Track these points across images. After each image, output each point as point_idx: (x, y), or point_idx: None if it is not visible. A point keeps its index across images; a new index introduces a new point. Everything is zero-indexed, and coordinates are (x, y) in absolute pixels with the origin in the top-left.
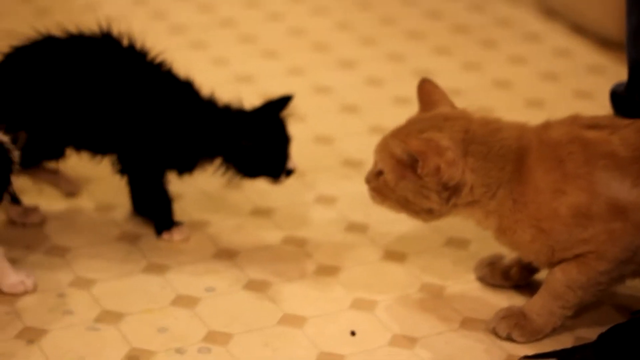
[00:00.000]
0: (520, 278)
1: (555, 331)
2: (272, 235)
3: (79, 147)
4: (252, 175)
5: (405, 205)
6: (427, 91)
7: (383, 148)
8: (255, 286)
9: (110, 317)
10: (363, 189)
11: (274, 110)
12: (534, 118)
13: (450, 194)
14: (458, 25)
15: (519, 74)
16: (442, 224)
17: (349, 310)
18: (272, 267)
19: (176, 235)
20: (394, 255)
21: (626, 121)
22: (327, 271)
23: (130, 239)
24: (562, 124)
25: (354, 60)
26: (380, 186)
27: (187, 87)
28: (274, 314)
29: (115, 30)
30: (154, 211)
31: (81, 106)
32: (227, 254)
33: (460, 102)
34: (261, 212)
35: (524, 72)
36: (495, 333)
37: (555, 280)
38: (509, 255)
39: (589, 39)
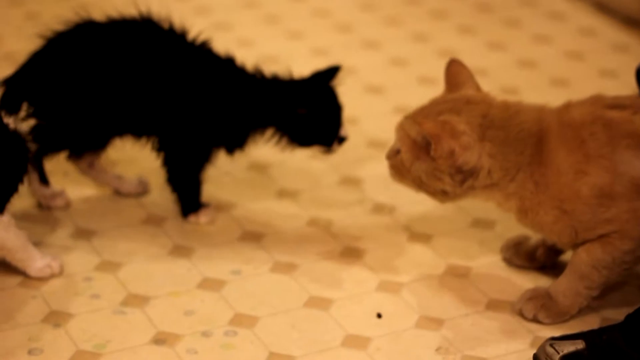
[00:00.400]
0: (546, 259)
1: (581, 312)
2: (297, 217)
3: (123, 133)
4: (306, 144)
5: (420, 185)
6: (454, 72)
7: (402, 127)
8: (281, 268)
9: (136, 300)
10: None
11: (325, 79)
12: (558, 97)
13: (465, 177)
14: (482, 4)
15: (544, 53)
16: (467, 204)
17: (375, 292)
18: (298, 249)
19: (203, 217)
20: (419, 236)
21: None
22: (353, 253)
23: (156, 222)
24: (584, 104)
25: (378, 41)
26: (397, 164)
27: (230, 63)
28: (300, 296)
29: (154, 15)
30: (183, 193)
31: (129, 90)
32: (252, 237)
33: (484, 82)
34: (286, 194)
35: (549, 52)
36: (521, 314)
37: (580, 261)
38: (534, 236)
39: (613, 17)
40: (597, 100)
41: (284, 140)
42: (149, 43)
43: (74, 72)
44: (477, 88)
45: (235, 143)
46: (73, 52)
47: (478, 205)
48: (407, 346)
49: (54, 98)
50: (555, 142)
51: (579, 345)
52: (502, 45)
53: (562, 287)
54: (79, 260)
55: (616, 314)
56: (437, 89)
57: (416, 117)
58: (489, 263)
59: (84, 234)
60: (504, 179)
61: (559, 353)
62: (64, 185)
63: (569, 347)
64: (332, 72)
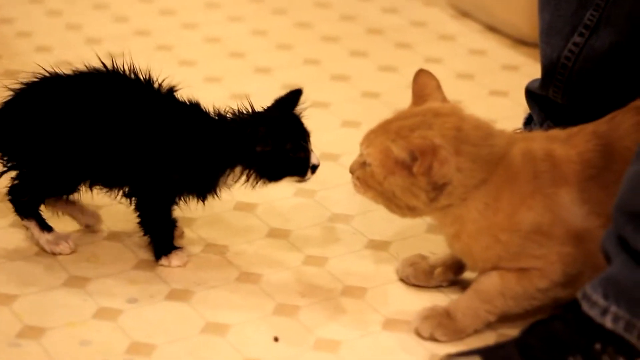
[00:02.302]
0: (444, 279)
1: (478, 329)
2: (192, 243)
3: (93, 183)
4: (276, 179)
5: (390, 199)
6: (421, 84)
7: (371, 142)
8: (178, 295)
9: (32, 332)
10: (283, 200)
11: (286, 108)
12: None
13: (437, 194)
14: (371, 28)
15: (436, 74)
16: (362, 227)
17: (271, 316)
18: (193, 276)
19: (175, 261)
20: (314, 259)
21: (575, 129)
22: (249, 278)
23: (49, 253)
24: (541, 137)
25: (363, 51)
26: (365, 177)
27: (195, 109)
28: (197, 323)
29: (119, 65)
30: (156, 236)
31: (96, 143)
32: (148, 265)
33: (376, 105)
34: (182, 221)
35: (441, 72)
36: (418, 333)
37: (490, 283)
38: (431, 255)
39: (504, 38)
40: (549, 134)
41: (254, 178)
42: (114, 95)
43: (43, 122)
44: (444, 99)
45: (205, 188)
46: (41, 103)
47: (372, 226)
48: None
49: (24, 146)
50: (514, 170)
51: None
52: (394, 68)
53: (463, 305)
54: None
55: (512, 330)
56: (329, 114)
57: (390, 134)
58: (385, 283)
59: None
60: (459, 197)
61: None
62: None
63: None
64: (293, 97)
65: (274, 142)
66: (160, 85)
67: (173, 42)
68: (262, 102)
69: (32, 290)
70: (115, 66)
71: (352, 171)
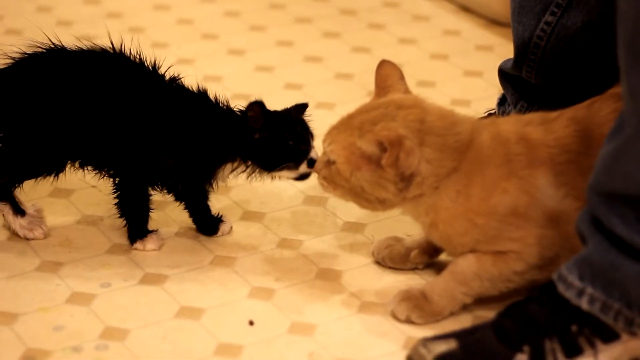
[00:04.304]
0: (420, 261)
1: (454, 312)
2: (166, 227)
3: (82, 164)
4: (272, 168)
5: (359, 194)
6: (384, 75)
7: (333, 139)
8: (151, 280)
9: (5, 318)
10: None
11: (291, 111)
12: (426, 98)
13: (406, 185)
14: (345, 8)
15: (410, 55)
16: (337, 209)
17: (246, 299)
18: (167, 260)
19: (149, 244)
20: (289, 242)
21: (554, 114)
22: (224, 261)
23: (22, 238)
24: (508, 120)
25: (336, 32)
26: (332, 175)
27: (202, 97)
28: (171, 307)
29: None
30: (132, 220)
31: (89, 121)
32: (121, 249)
33: (350, 86)
34: (156, 204)
35: (415, 53)
36: (394, 316)
37: (466, 265)
38: (407, 238)
39: (478, 19)
40: (520, 117)
41: (252, 169)
42: (117, 77)
43: (38, 96)
44: (406, 90)
45: (202, 176)
46: (39, 75)
47: (348, 208)
48: (280, 352)
49: (11, 120)
50: (484, 155)
51: (452, 344)
52: (367, 49)
53: (439, 287)
54: None
55: (488, 312)
56: (302, 96)
57: (351, 128)
58: (360, 266)
59: None
60: (430, 187)
61: (431, 353)
62: None
63: (442, 347)
64: (300, 108)
65: (269, 127)
66: (163, 72)
67: (145, 24)
68: (235, 84)
69: (4, 275)
70: (118, 47)
71: (317, 171)
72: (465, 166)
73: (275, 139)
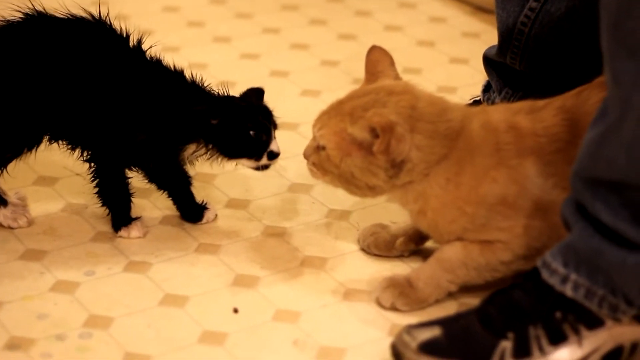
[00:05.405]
0: (405, 248)
1: (439, 299)
2: (150, 215)
3: (57, 138)
4: (232, 156)
5: (348, 180)
6: (374, 60)
7: (324, 124)
8: (136, 267)
9: None
10: (243, 169)
11: (256, 98)
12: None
13: (396, 172)
14: None
15: (396, 42)
16: (322, 196)
17: (231, 287)
18: (151, 248)
19: (134, 232)
20: (274, 229)
21: (541, 102)
22: (208, 249)
23: (5, 227)
24: (498, 109)
25: (323, 19)
26: (321, 161)
27: (179, 77)
28: (156, 295)
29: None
30: (114, 207)
31: (67, 90)
32: (105, 237)
33: (336, 73)
34: (140, 192)
35: (401, 40)
36: (379, 303)
37: (453, 252)
38: (392, 225)
39: (464, 6)
40: (510, 106)
41: (212, 153)
42: (98, 48)
43: (16, 63)
44: (397, 76)
45: (170, 155)
46: (19, 41)
47: (333, 195)
48: (264, 340)
49: None
50: (474, 143)
51: (436, 331)
52: (353, 36)
53: (425, 274)
54: None
55: (473, 300)
56: (288, 83)
57: (344, 114)
58: (346, 253)
59: None
60: (420, 174)
61: (415, 340)
62: None
63: (426, 334)
64: (259, 93)
65: (227, 117)
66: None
67: (130, 12)
68: (221, 71)
69: None
70: (101, 17)
71: (306, 157)
72: (455, 154)
73: (235, 127)
